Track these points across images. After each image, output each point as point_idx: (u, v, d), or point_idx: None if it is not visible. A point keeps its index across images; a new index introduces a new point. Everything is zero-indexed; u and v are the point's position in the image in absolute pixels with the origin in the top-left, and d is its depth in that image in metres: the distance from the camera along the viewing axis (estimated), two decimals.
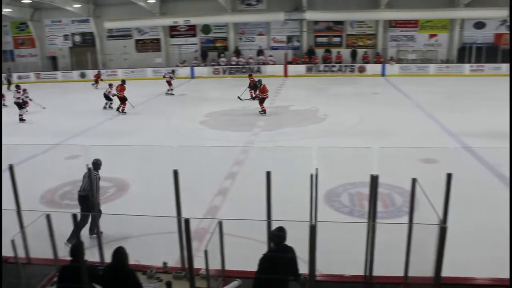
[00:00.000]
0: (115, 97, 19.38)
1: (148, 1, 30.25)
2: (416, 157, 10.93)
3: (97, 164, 7.54)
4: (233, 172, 10.88)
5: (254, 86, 20.13)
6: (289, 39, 32.09)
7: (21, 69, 33.88)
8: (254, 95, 19.94)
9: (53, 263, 5.08)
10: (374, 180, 4.73)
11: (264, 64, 30.65)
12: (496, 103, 18.86)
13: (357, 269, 5.11)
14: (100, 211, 6.75)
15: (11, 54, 35.90)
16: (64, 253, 4.77)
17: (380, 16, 29.61)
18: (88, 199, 7.02)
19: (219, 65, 31.26)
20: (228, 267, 4.79)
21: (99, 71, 29.58)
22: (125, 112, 19.02)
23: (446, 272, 4.08)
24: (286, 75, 30.10)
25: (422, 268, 4.27)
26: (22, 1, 30.93)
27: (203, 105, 20.42)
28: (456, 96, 21.30)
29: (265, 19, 31.13)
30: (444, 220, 4.15)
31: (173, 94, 23.91)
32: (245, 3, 31.37)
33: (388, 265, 4.98)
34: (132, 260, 5.05)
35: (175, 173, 4.94)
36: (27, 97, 19.22)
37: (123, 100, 19.07)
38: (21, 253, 4.72)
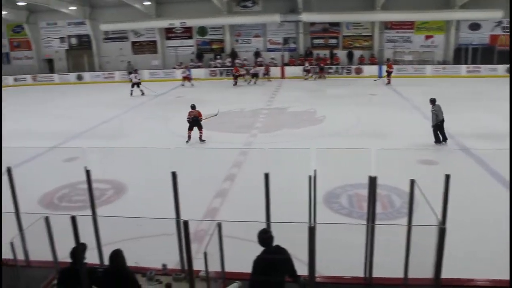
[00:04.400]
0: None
1: (144, 3, 30.21)
2: (414, 158, 10.96)
3: (434, 100, 12.85)
4: (232, 174, 10.88)
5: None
6: (286, 40, 32.07)
7: (17, 71, 33.80)
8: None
9: (52, 266, 5.06)
10: (372, 181, 4.74)
11: (261, 65, 30.54)
12: (493, 104, 18.95)
13: (357, 271, 5.11)
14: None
15: (7, 57, 35.75)
16: (64, 255, 4.76)
17: (376, 18, 29.66)
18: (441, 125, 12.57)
19: (216, 67, 31.24)
20: (227, 269, 4.79)
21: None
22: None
23: (446, 274, 4.09)
24: (283, 76, 30.10)
25: (422, 269, 4.28)
26: (17, 4, 30.82)
27: (201, 107, 20.29)
28: (453, 97, 21.28)
29: (261, 21, 31.09)
30: (443, 221, 4.16)
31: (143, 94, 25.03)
32: (241, 5, 31.37)
33: (387, 266, 4.99)
34: (131, 262, 5.05)
35: (174, 175, 4.94)
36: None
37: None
38: (20, 256, 4.70)
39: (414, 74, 29.01)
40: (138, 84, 25.03)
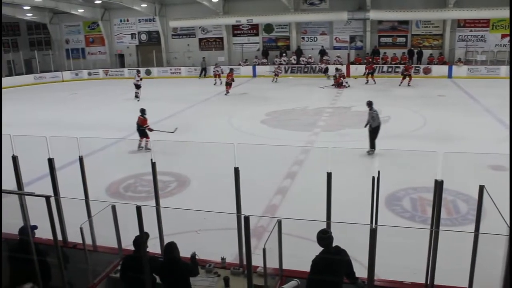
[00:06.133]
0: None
1: (212, 1, 30.73)
2: (483, 164, 10.47)
3: (371, 103, 12.50)
4: (293, 172, 10.88)
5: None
6: (352, 39, 31.53)
7: (91, 66, 35.55)
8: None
9: (117, 252, 5.28)
10: (438, 185, 4.57)
11: (326, 63, 30.36)
12: None
13: (418, 277, 4.96)
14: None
15: (82, 52, 37.72)
16: (127, 243, 4.95)
17: (448, 16, 28.39)
18: (377, 131, 12.18)
19: (281, 64, 31.26)
20: (285, 266, 4.79)
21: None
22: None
23: None
24: (348, 75, 29.52)
25: (488, 280, 4.09)
26: (94, 2, 32.45)
27: (264, 104, 20.52)
28: None
29: (328, 19, 30.77)
30: None
31: (138, 98, 22.88)
32: (308, 3, 31.16)
33: (451, 274, 4.80)
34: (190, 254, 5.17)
35: (236, 170, 4.99)
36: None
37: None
38: (88, 241, 4.94)
39: (487, 75, 27.60)
40: (138, 86, 23.22)
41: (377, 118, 12.32)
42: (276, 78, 28.54)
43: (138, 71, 25.06)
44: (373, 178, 4.59)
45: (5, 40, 36.39)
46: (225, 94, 23.83)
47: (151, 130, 13.12)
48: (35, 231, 5.15)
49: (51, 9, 33.88)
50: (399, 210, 8.51)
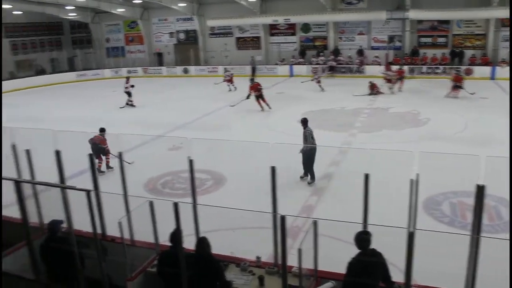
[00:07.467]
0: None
1: (249, 0, 30.85)
2: None
3: (305, 121, 10.51)
4: (329, 173, 10.80)
5: None
6: (391, 39, 30.96)
7: (130, 64, 36.26)
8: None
9: (154, 247, 5.37)
10: (480, 190, 4.44)
11: (362, 64, 30.04)
12: None
13: (456, 284, 4.84)
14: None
15: (122, 50, 38.57)
16: (164, 238, 5.03)
17: (492, 15, 27.37)
18: (310, 154, 10.16)
19: (318, 64, 31.02)
20: (320, 267, 4.77)
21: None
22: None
23: None
24: None
25: None
26: (133, 1, 33.14)
27: (301, 103, 20.45)
28: None
29: (366, 18, 30.34)
30: None
31: (134, 106, 21.45)
32: (345, 2, 30.80)
33: (491, 283, 4.67)
34: (227, 252, 5.20)
35: (273, 169, 4.99)
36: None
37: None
38: (126, 235, 5.03)
39: None
40: (129, 94, 21.28)
41: (310, 138, 10.36)
42: (321, 86, 24.85)
43: (128, 78, 22.25)
44: (411, 180, 4.51)
45: (49, 39, 37.55)
46: (261, 110, 19.14)
47: (108, 152, 11.71)
48: (62, 225, 5.30)
49: (93, 9, 34.80)
50: (438, 215, 8.33)
